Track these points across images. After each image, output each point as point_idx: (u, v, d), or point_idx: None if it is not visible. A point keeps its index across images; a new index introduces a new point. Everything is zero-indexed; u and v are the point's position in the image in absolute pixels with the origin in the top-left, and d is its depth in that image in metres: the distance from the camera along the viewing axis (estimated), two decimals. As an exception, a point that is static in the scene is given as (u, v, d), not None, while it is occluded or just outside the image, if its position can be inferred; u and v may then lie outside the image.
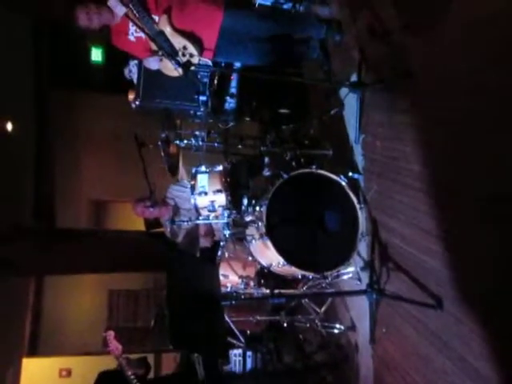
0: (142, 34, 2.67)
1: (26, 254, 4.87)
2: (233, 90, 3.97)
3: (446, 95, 2.24)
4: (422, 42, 2.39)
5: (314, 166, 2.91)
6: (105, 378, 2.96)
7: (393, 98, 2.68)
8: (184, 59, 2.69)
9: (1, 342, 5.77)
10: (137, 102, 3.68)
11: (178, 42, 2.72)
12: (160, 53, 2.58)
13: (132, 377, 2.78)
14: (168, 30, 2.67)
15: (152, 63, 2.83)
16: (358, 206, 2.87)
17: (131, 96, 3.73)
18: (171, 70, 2.69)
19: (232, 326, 3.51)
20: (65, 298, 7.52)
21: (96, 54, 6.66)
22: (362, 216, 2.88)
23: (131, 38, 2.81)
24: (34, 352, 7.07)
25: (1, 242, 4.67)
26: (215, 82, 3.67)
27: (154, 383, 3.04)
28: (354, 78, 3.04)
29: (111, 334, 2.89)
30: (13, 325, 6.52)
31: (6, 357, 6.17)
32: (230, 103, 3.94)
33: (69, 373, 6.71)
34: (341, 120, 3.37)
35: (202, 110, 3.62)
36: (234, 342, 3.69)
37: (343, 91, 3.24)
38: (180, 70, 2.55)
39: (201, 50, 2.84)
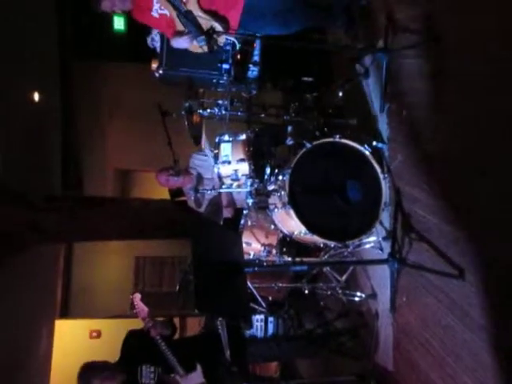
0: (166, 12, 2.66)
1: (57, 222, 5.03)
2: (255, 58, 3.91)
3: (477, 61, 2.17)
4: (452, 5, 2.30)
5: (337, 135, 2.89)
6: (133, 336, 3.07)
7: (420, 65, 2.61)
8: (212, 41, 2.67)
9: (35, 304, 6.07)
10: (160, 71, 3.68)
11: (206, 22, 2.66)
12: (186, 31, 2.58)
13: (158, 337, 2.86)
14: (196, 11, 2.64)
15: (182, 43, 2.77)
16: (381, 176, 2.86)
17: (154, 65, 3.73)
18: (197, 47, 2.68)
19: (254, 292, 3.59)
20: (93, 265, 7.79)
21: (118, 23, 6.63)
22: (385, 186, 2.86)
23: (155, 14, 2.79)
24: (65, 314, 7.41)
25: (34, 211, 4.83)
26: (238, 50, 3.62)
27: (179, 344, 3.12)
28: (380, 44, 2.96)
29: (137, 296, 2.95)
30: (46, 288, 6.83)
31: (40, 318, 6.50)
32: (253, 71, 3.89)
33: (99, 334, 7.04)
34: (366, 88, 3.30)
35: (224, 78, 3.59)
36: (257, 307, 3.78)
37: (368, 58, 3.16)
38: (205, 48, 2.56)
39: (227, 30, 2.80)
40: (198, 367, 2.87)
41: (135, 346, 2.99)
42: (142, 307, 2.92)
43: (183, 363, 2.86)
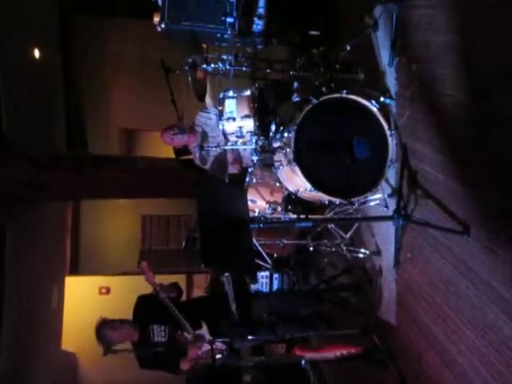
0: None
1: (61, 180, 5.06)
2: (260, 11, 3.77)
3: (492, 13, 2.07)
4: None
5: (344, 91, 2.82)
6: (143, 300, 3.31)
7: (432, 16, 2.51)
8: None
9: (46, 262, 6.21)
10: (162, 25, 3.56)
11: None
12: None
13: (166, 299, 3.07)
14: None
15: None
16: (388, 133, 2.81)
17: (156, 19, 3.62)
18: None
19: (260, 248, 3.63)
20: (101, 223, 7.90)
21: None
22: (392, 142, 2.82)
23: None
24: (75, 271, 7.60)
25: (40, 170, 4.85)
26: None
27: (185, 305, 3.36)
28: (390, -6, 2.84)
29: (145, 264, 3.16)
30: (55, 247, 6.96)
31: (50, 275, 6.66)
32: (258, 25, 3.76)
33: (108, 290, 7.24)
34: (374, 42, 3.20)
35: (228, 32, 3.48)
36: (262, 264, 3.84)
37: (378, 10, 3.04)
38: None
39: None
40: (204, 325, 3.12)
41: (146, 309, 3.24)
42: (150, 275, 3.12)
43: (190, 322, 3.08)
